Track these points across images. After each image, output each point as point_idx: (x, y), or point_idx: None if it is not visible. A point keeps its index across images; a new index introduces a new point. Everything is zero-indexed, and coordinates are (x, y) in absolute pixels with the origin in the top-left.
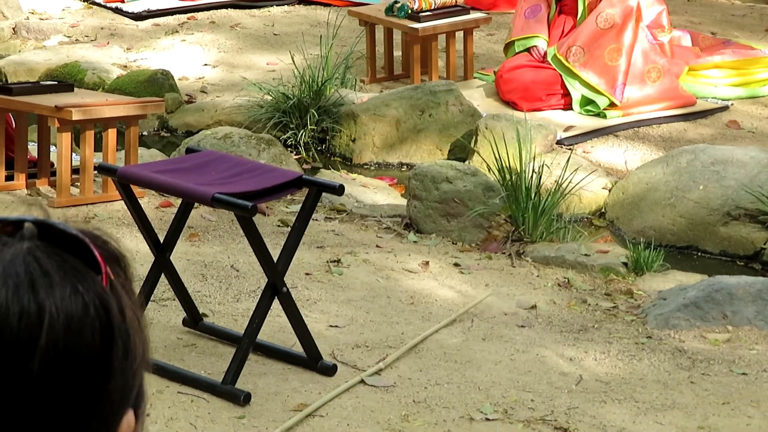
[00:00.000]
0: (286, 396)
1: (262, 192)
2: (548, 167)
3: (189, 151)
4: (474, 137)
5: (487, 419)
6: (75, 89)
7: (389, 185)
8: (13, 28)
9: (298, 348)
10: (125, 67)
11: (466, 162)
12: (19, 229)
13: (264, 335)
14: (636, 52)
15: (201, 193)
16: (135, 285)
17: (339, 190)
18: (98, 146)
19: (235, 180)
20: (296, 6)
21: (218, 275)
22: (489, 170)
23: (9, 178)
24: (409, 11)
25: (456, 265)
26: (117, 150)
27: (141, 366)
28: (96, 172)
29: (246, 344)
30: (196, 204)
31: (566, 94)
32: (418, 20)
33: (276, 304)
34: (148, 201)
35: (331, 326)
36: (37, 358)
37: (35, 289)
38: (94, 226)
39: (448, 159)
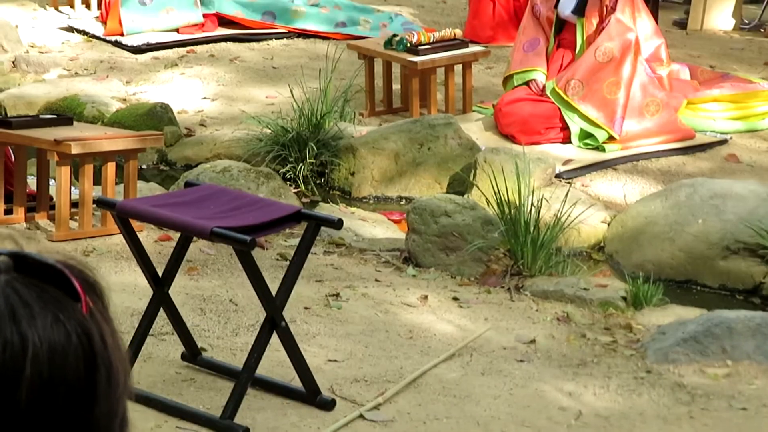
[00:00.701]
0: (284, 431)
1: (260, 226)
2: (547, 201)
3: (188, 184)
4: (473, 171)
5: None
6: (74, 123)
7: (396, 220)
8: (13, 62)
9: (296, 382)
10: (124, 100)
11: (465, 195)
12: None
13: (262, 369)
14: (635, 85)
15: (200, 227)
16: (134, 319)
17: (338, 224)
18: (97, 180)
19: (234, 214)
20: (295, 39)
21: (217, 309)
22: (488, 204)
23: (8, 211)
24: (408, 44)
25: (455, 299)
26: (116, 183)
27: (124, 392)
28: (95, 205)
29: (245, 378)
30: (194, 238)
31: (565, 128)
32: (417, 53)
33: (275, 339)
34: (147, 235)
35: (329, 360)
36: (23, 389)
37: (17, 320)
38: (69, 256)
39: (447, 192)
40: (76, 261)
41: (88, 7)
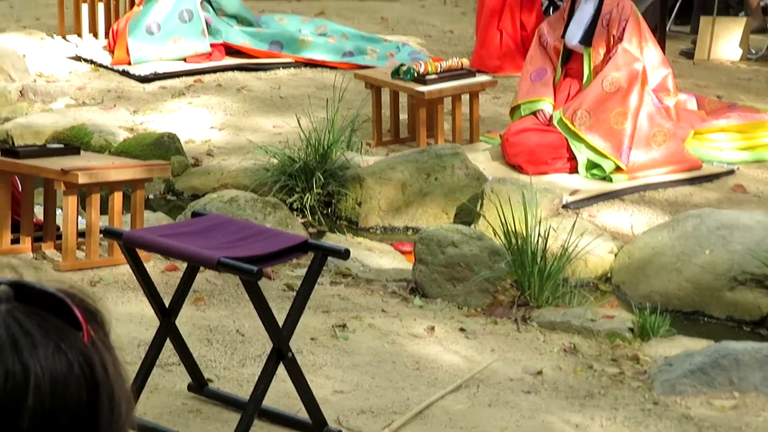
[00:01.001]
0: None
1: (267, 256)
2: (554, 231)
3: (195, 214)
4: (480, 201)
5: None
6: (81, 152)
7: (407, 251)
8: (20, 91)
9: (303, 414)
10: (132, 129)
11: (472, 226)
12: None
13: (269, 401)
14: (642, 115)
15: (206, 257)
16: (140, 349)
17: (344, 254)
18: (104, 209)
19: (241, 244)
20: (302, 69)
21: (223, 340)
22: (495, 234)
23: (15, 241)
24: (415, 74)
25: (462, 329)
26: (123, 213)
27: (126, 422)
28: (102, 235)
29: (251, 410)
30: (201, 268)
31: (572, 158)
32: (424, 83)
33: (281, 369)
34: (154, 265)
35: (336, 391)
36: (26, 418)
37: (18, 349)
38: (70, 284)
39: (454, 223)
40: (77, 289)
41: (95, 36)
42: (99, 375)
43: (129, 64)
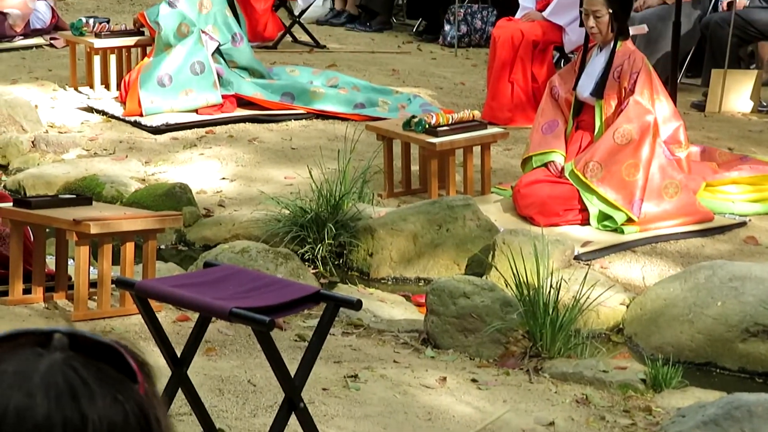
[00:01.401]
0: None
1: (279, 307)
2: (566, 282)
3: (207, 265)
4: (491, 252)
5: None
6: (93, 203)
7: (424, 304)
8: (32, 142)
9: None
10: (143, 180)
11: (484, 277)
12: (50, 341)
13: None
14: (653, 167)
15: (218, 307)
16: None
17: (357, 305)
18: (116, 260)
19: (253, 294)
20: (314, 120)
21: (235, 390)
22: (506, 285)
23: (26, 291)
24: (427, 126)
25: (473, 380)
26: (135, 263)
27: None
28: (114, 285)
29: None
30: (213, 318)
31: (584, 210)
32: (436, 135)
33: (293, 420)
34: (165, 315)
35: None
36: None
37: (77, 398)
38: (120, 336)
39: (466, 274)
40: (128, 342)
41: (107, 87)
42: (153, 426)
43: (141, 115)
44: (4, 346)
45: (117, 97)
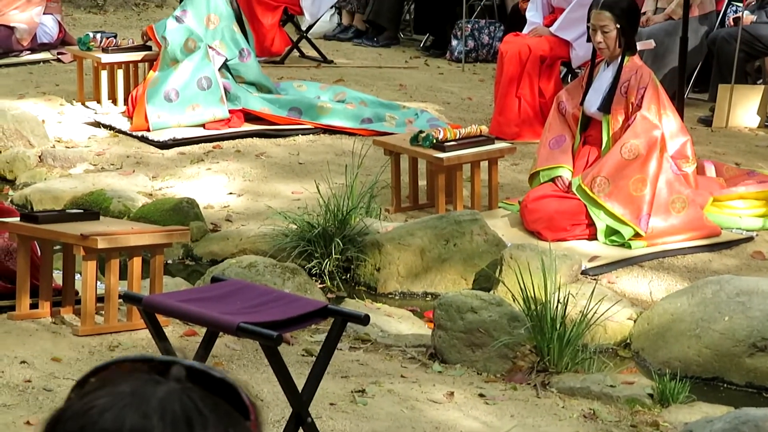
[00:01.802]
0: None
1: (287, 321)
2: (573, 297)
3: (214, 280)
4: (499, 267)
5: None
6: (100, 217)
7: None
8: (39, 156)
9: None
10: (151, 195)
11: (491, 292)
12: (168, 370)
13: None
14: (661, 182)
15: (226, 322)
16: None
17: (364, 320)
18: (123, 274)
19: (261, 309)
20: (321, 135)
21: None
22: (514, 300)
23: (34, 306)
24: (434, 141)
25: (481, 395)
26: (142, 278)
27: None
28: (121, 300)
29: None
30: (220, 333)
31: (591, 224)
32: (443, 150)
33: None
34: (173, 330)
35: None
36: None
37: (191, 426)
38: (230, 373)
39: (473, 289)
40: (238, 379)
41: (115, 102)
42: None
43: (148, 130)
44: (122, 367)
45: (124, 112)
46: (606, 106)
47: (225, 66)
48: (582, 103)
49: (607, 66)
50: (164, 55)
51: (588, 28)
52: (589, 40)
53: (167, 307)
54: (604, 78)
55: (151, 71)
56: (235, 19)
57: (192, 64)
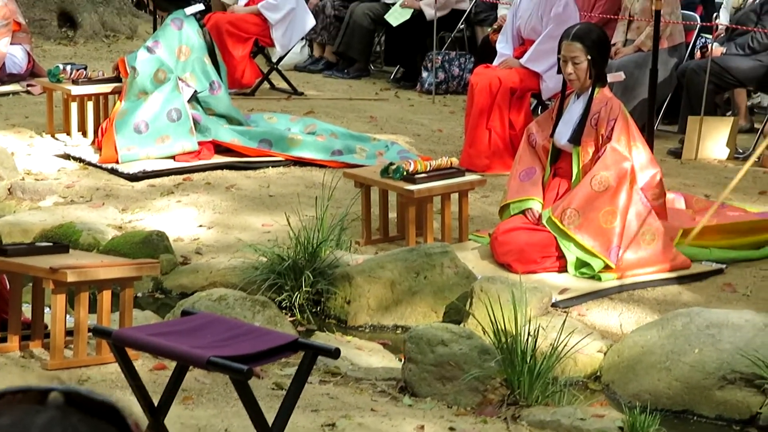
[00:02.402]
0: None
1: (257, 355)
2: (544, 330)
3: (184, 313)
4: (469, 299)
5: None
6: (70, 250)
7: None
8: (9, 189)
9: None
10: (120, 227)
11: (462, 324)
12: (47, 398)
13: None
14: (630, 214)
15: (196, 356)
16: None
17: (335, 353)
18: (92, 308)
19: (231, 343)
20: (292, 167)
21: None
22: (484, 333)
23: (2, 339)
24: (405, 173)
25: (451, 429)
26: (111, 312)
27: None
28: (90, 334)
29: None
30: (190, 366)
31: (561, 257)
32: (414, 182)
33: None
34: (142, 363)
35: None
36: None
37: None
38: (110, 395)
39: (444, 321)
40: (120, 400)
41: (84, 134)
42: None
43: (116, 162)
44: (1, 402)
45: (93, 143)
46: (576, 138)
47: (195, 98)
48: (552, 135)
49: (578, 98)
50: (132, 85)
51: (558, 60)
52: (559, 71)
53: (137, 341)
54: (574, 110)
55: (118, 102)
56: (207, 52)
57: (162, 95)
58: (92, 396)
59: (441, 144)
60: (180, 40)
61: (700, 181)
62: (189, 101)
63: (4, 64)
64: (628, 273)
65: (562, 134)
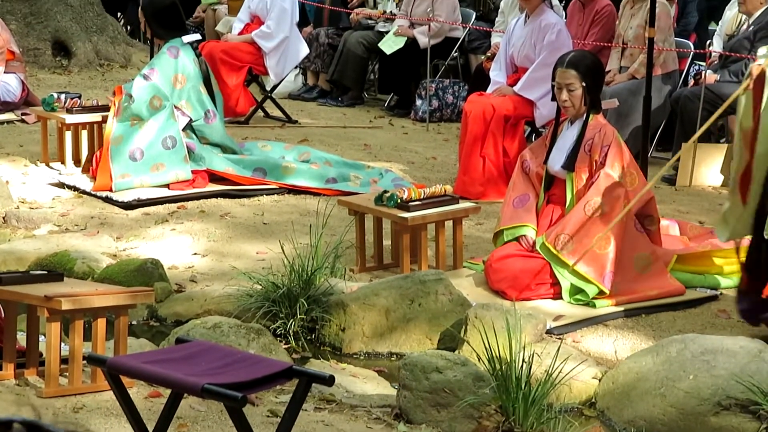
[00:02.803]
0: None
1: (252, 382)
2: (538, 356)
3: (179, 341)
4: (464, 327)
5: None
6: (65, 279)
7: None
8: (3, 217)
9: None
10: (115, 256)
11: (456, 351)
12: (9, 430)
13: None
14: (625, 240)
15: (191, 383)
16: None
17: (329, 380)
18: (87, 336)
19: (225, 370)
20: (286, 195)
21: None
22: (479, 360)
23: None
24: (399, 201)
25: None
26: (106, 340)
27: None
28: (85, 362)
29: None
30: (185, 394)
31: (555, 283)
32: (408, 210)
33: None
34: (137, 391)
35: None
36: None
37: None
38: (79, 424)
39: (439, 348)
40: (84, 428)
41: (78, 163)
42: None
43: (111, 190)
44: None
45: (86, 171)
46: (570, 164)
47: (189, 126)
48: (546, 162)
49: (571, 124)
50: (126, 110)
51: (553, 87)
52: (553, 98)
53: (132, 369)
54: (568, 136)
55: (108, 128)
56: (203, 81)
57: (157, 123)
58: (48, 428)
59: (435, 171)
60: (176, 68)
61: (694, 208)
62: (183, 129)
63: None
64: (622, 299)
65: (556, 160)
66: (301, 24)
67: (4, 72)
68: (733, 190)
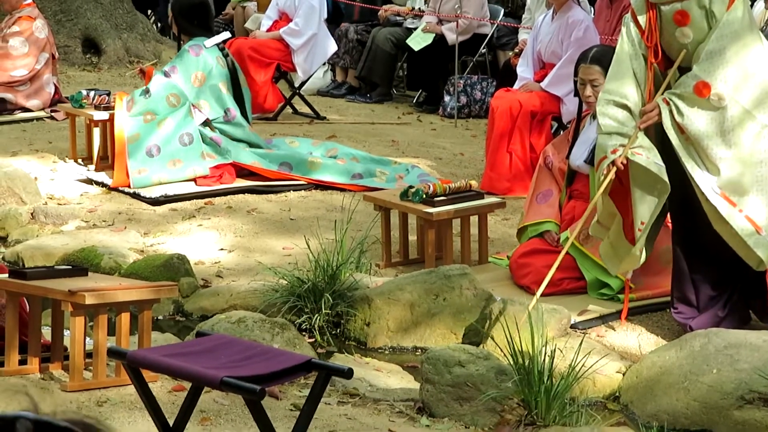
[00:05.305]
0: None
1: (271, 375)
2: (561, 351)
3: (199, 334)
4: (488, 321)
5: None
6: (89, 273)
7: None
8: (32, 213)
9: None
10: (142, 251)
11: (480, 346)
12: (14, 427)
13: None
14: None
15: (210, 376)
16: None
17: (348, 373)
18: (112, 330)
19: (245, 363)
20: (313, 191)
21: None
22: (503, 354)
23: (22, 362)
24: (424, 196)
25: None
26: (131, 334)
27: None
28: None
29: None
30: (209, 388)
31: (580, 278)
32: (433, 205)
33: None
34: (161, 385)
35: None
36: None
37: None
38: (86, 414)
39: (463, 343)
40: (94, 420)
41: (105, 159)
42: None
43: (128, 186)
44: None
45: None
46: (592, 159)
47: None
48: (568, 157)
49: (593, 119)
50: (139, 102)
51: (575, 82)
52: (576, 94)
53: (151, 362)
54: (590, 131)
55: (118, 124)
56: (226, 79)
57: (175, 120)
58: (58, 423)
59: (462, 167)
60: (197, 66)
61: None
62: (209, 124)
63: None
64: (647, 293)
65: (578, 155)
66: (338, 19)
67: None
68: (619, 235)
